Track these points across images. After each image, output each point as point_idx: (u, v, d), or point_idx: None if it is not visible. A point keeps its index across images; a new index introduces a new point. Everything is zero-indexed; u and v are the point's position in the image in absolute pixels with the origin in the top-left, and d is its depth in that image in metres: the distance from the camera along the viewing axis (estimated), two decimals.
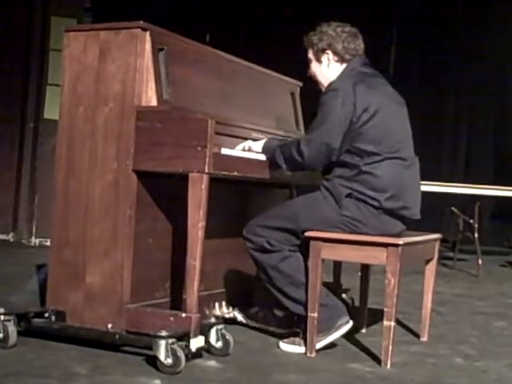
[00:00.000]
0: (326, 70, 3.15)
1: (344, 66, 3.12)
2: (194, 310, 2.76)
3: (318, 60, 3.16)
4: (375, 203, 2.94)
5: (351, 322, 3.08)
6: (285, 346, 3.07)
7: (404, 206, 3.00)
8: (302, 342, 3.05)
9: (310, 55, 3.19)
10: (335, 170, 3.00)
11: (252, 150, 3.11)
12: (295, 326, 3.21)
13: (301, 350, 3.03)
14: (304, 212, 3.03)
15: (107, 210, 2.90)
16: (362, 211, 2.95)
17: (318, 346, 3.01)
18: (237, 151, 3.01)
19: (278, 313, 3.39)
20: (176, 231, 3.06)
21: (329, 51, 3.12)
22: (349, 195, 2.95)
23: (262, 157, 3.10)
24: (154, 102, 2.88)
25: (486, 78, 8.55)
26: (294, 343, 3.07)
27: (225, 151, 2.84)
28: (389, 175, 2.96)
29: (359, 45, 3.15)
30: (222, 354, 2.87)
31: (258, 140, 3.18)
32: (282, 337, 3.21)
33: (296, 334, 3.13)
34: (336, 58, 3.13)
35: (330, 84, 3.06)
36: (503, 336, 3.66)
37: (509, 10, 8.41)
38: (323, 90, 3.15)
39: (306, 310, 3.01)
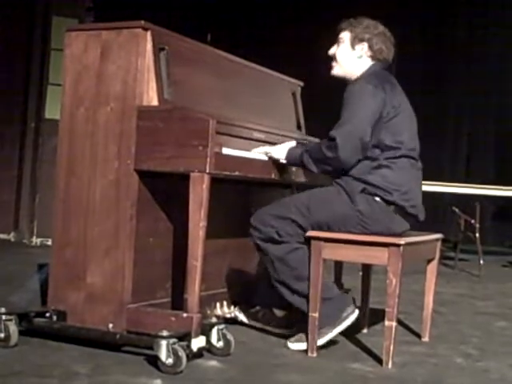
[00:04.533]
0: (355, 60, 3.13)
1: (371, 63, 3.12)
2: (195, 309, 2.76)
3: (353, 46, 3.12)
4: (389, 197, 2.94)
5: (357, 311, 3.06)
6: (293, 345, 3.05)
7: (413, 204, 3.03)
8: None
9: (345, 37, 3.14)
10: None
11: (273, 157, 3.09)
12: (297, 324, 3.21)
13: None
14: (319, 206, 3.01)
15: (108, 209, 2.90)
16: (372, 207, 2.95)
17: (327, 338, 3.00)
18: (238, 151, 3.00)
19: (279, 313, 3.39)
20: (177, 231, 3.06)
21: (366, 43, 3.11)
22: (362, 190, 2.95)
23: (263, 156, 3.09)
24: (155, 102, 2.88)
25: (486, 77, 8.55)
26: (301, 340, 3.04)
27: (226, 151, 2.84)
28: (404, 172, 3.00)
29: (391, 52, 3.17)
30: (223, 354, 2.87)
31: (260, 141, 3.17)
32: (281, 336, 3.21)
33: (302, 331, 3.10)
34: (369, 53, 3.12)
35: (356, 79, 3.06)
36: (504, 336, 3.66)
37: (509, 10, 8.41)
38: (335, 72, 3.15)
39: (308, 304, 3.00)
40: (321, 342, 3.01)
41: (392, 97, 2.99)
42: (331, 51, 3.19)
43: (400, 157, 2.98)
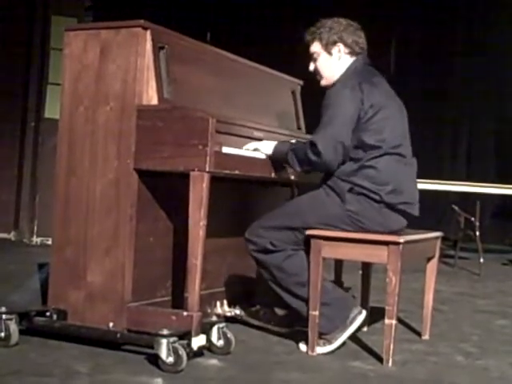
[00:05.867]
0: (337, 62, 3.10)
1: (352, 59, 3.10)
2: (195, 308, 2.76)
3: (329, 52, 3.10)
4: (376, 197, 2.94)
5: (364, 312, 3.06)
6: (321, 349, 3.00)
7: (404, 201, 3.01)
8: (324, 340, 3.00)
9: (317, 49, 3.12)
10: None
11: (260, 151, 3.09)
12: (296, 325, 3.21)
13: (330, 347, 3.00)
14: (310, 209, 3.02)
15: (108, 208, 2.90)
16: (363, 206, 2.95)
17: (339, 341, 3.00)
18: (238, 150, 3.00)
19: (279, 311, 3.39)
20: (177, 230, 3.06)
21: (340, 43, 3.08)
22: (350, 190, 2.95)
23: (263, 155, 3.09)
24: (154, 101, 2.88)
25: (487, 75, 8.55)
26: (319, 345, 3.01)
27: (226, 150, 2.84)
28: (390, 170, 2.97)
29: (364, 39, 3.13)
30: (223, 353, 2.87)
31: (260, 140, 3.17)
32: (282, 335, 3.22)
33: (303, 330, 3.09)
34: (347, 51, 3.09)
35: (335, 83, 3.04)
36: (504, 334, 3.66)
37: (509, 9, 8.40)
38: (324, 83, 3.13)
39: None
40: (334, 346, 3.00)
41: (370, 95, 2.95)
42: (310, 68, 3.18)
43: (383, 155, 2.95)
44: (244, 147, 3.08)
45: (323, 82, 3.16)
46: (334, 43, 3.09)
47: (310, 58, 3.17)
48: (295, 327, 3.24)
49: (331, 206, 2.98)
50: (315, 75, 3.19)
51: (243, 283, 3.57)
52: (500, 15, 8.59)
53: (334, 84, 3.06)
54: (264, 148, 3.10)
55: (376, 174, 2.95)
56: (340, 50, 3.10)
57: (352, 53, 3.10)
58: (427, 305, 3.39)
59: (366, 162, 2.95)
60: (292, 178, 3.29)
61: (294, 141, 3.21)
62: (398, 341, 2.93)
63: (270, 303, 3.39)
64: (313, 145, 2.93)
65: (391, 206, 2.97)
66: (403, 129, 3.12)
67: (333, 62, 3.12)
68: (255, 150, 3.09)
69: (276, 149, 3.08)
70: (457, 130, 8.99)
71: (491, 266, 6.47)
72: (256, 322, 3.37)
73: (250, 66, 3.64)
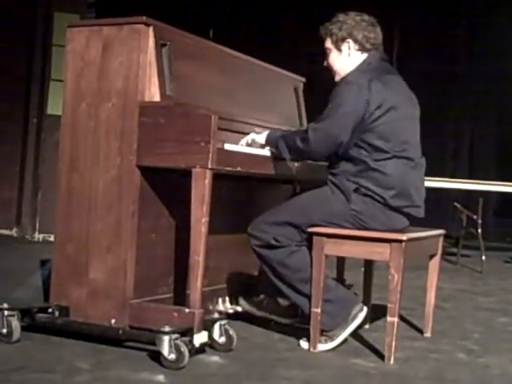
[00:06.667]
0: (347, 59, 3.10)
1: (364, 55, 3.09)
2: (197, 305, 2.76)
3: (339, 49, 3.11)
4: (381, 200, 2.94)
5: (365, 309, 3.07)
6: (323, 346, 3.01)
7: (409, 204, 3.00)
8: (325, 337, 3.01)
9: (329, 45, 3.14)
10: (341, 165, 2.99)
11: (255, 141, 3.10)
12: (299, 320, 3.20)
13: (331, 344, 3.01)
14: (314, 206, 3.02)
15: (110, 205, 2.90)
16: (368, 206, 2.95)
17: (340, 338, 3.00)
18: (240, 146, 3.00)
19: (283, 302, 3.37)
20: (179, 227, 3.06)
21: (349, 40, 3.08)
22: (356, 190, 2.95)
23: (266, 152, 3.10)
24: (157, 98, 2.88)
25: (488, 73, 8.54)
26: (320, 342, 3.02)
27: (228, 147, 2.84)
28: (396, 173, 2.95)
29: (378, 34, 3.12)
30: (225, 350, 2.87)
31: (260, 133, 3.17)
32: (284, 332, 3.22)
33: (306, 322, 3.09)
34: (357, 47, 3.08)
35: (346, 76, 3.04)
36: (506, 332, 3.66)
37: (509, 9, 8.39)
38: (338, 79, 3.13)
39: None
40: (335, 343, 3.01)
41: (379, 95, 2.93)
42: (325, 64, 3.19)
43: (390, 158, 2.94)
44: (240, 142, 3.08)
45: (337, 78, 3.15)
46: (344, 40, 3.09)
47: (325, 52, 3.18)
48: (298, 318, 3.23)
49: (335, 204, 2.98)
50: (329, 71, 3.18)
51: (245, 280, 3.57)
52: (501, 14, 8.58)
53: (344, 77, 3.05)
54: (258, 138, 3.12)
55: (383, 178, 2.94)
56: (350, 46, 3.09)
57: (362, 49, 3.09)
58: (429, 302, 3.39)
59: (373, 164, 2.94)
60: (294, 174, 3.29)
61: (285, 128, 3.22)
62: (399, 338, 2.93)
63: (274, 293, 3.38)
64: (304, 132, 2.95)
65: (396, 209, 2.97)
66: (414, 130, 3.10)
67: (342, 59, 3.11)
68: (251, 141, 3.10)
69: (268, 136, 3.10)
70: (459, 128, 8.98)
71: (493, 264, 6.47)
72: (259, 313, 3.34)
73: (252, 63, 3.64)
